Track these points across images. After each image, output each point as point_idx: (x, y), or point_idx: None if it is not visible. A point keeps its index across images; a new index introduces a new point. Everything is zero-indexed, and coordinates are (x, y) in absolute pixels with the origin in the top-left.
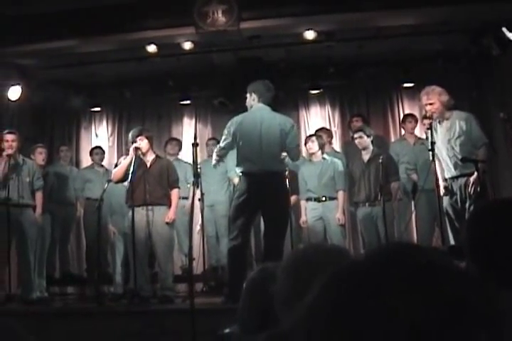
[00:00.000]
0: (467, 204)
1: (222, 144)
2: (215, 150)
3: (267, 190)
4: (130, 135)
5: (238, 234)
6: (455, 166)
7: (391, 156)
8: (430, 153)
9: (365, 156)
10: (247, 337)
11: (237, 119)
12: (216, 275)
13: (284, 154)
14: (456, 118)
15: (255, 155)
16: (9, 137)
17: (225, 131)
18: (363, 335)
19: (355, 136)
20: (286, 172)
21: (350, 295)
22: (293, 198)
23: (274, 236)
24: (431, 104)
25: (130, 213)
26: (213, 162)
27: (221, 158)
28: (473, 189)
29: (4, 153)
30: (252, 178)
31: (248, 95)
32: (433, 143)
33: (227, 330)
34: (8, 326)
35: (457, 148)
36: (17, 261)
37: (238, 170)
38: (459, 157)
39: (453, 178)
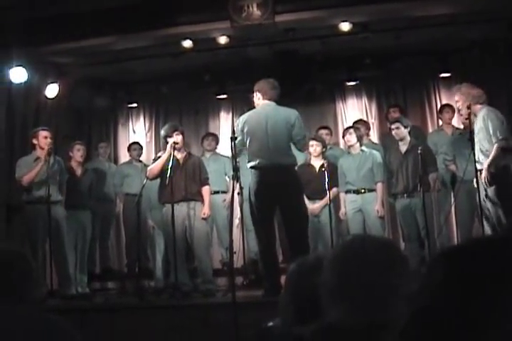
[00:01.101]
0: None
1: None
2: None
3: (276, 183)
4: (164, 130)
5: (261, 229)
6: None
7: (429, 147)
8: (469, 143)
9: (403, 147)
10: (290, 329)
11: (243, 117)
12: (256, 269)
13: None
14: (479, 114)
15: (263, 150)
16: (45, 134)
17: (234, 130)
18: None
19: (393, 126)
20: (326, 165)
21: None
22: (333, 191)
23: (293, 229)
24: (457, 101)
25: (168, 209)
26: None
27: (239, 154)
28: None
29: (39, 151)
30: (262, 173)
31: (254, 94)
32: (472, 133)
33: (270, 323)
34: (55, 322)
35: (478, 144)
36: (54, 258)
37: (248, 165)
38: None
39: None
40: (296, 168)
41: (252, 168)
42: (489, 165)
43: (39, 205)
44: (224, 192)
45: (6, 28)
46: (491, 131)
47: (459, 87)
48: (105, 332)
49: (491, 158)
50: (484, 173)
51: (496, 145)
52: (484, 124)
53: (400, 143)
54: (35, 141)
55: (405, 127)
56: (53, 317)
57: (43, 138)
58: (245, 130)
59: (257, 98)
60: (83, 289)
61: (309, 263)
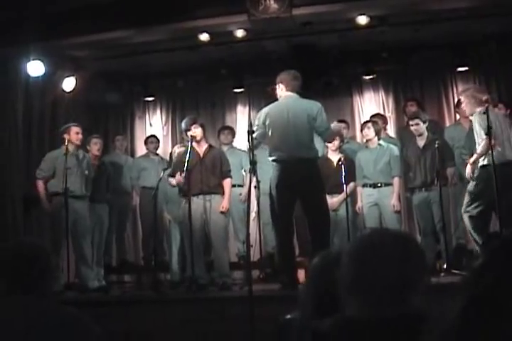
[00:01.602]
0: None
1: (254, 135)
2: None
3: (297, 176)
4: (183, 123)
5: (279, 222)
6: None
7: (446, 141)
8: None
9: (420, 142)
10: (309, 322)
11: (265, 110)
12: (272, 263)
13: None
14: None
15: (284, 143)
16: (77, 129)
17: (256, 122)
18: None
19: (412, 123)
20: (343, 159)
21: None
22: (350, 185)
23: (315, 223)
24: (462, 102)
25: (186, 202)
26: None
27: (256, 148)
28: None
29: (69, 145)
30: (283, 166)
31: (277, 86)
32: (489, 128)
33: (288, 316)
34: (74, 315)
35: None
36: (73, 251)
37: (270, 158)
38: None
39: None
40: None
41: (273, 161)
42: (473, 162)
43: (61, 198)
44: (240, 185)
45: (24, 22)
46: (477, 131)
47: (464, 89)
48: (121, 325)
49: (475, 155)
50: (468, 169)
51: (481, 144)
52: (473, 125)
53: (418, 138)
54: (66, 136)
55: (424, 122)
56: (72, 310)
57: (75, 134)
58: (267, 122)
59: (280, 89)
60: (100, 282)
61: (332, 257)
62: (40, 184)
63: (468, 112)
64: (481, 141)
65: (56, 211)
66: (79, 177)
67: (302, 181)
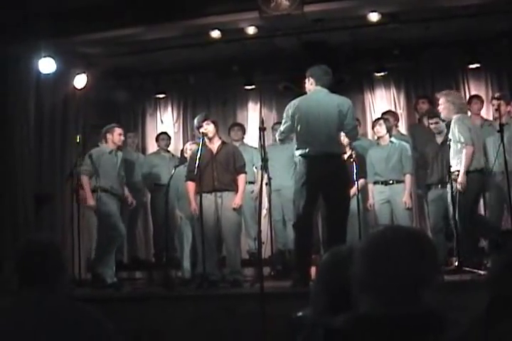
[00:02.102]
0: None
1: (282, 128)
2: (277, 134)
3: (325, 172)
4: (195, 120)
5: (301, 218)
6: None
7: None
8: (498, 134)
9: (439, 139)
10: (321, 319)
11: (294, 103)
12: (283, 260)
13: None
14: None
15: (314, 137)
16: (119, 131)
17: (284, 115)
18: None
19: (431, 121)
20: (354, 156)
21: None
22: (360, 182)
23: (334, 219)
24: (439, 104)
25: (198, 199)
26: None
27: (283, 141)
28: None
29: (110, 145)
30: (310, 161)
31: (306, 80)
32: (502, 125)
33: (299, 313)
34: (86, 311)
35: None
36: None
37: (297, 153)
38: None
39: None
40: None
41: (301, 155)
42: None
43: (103, 193)
44: (251, 182)
45: (35, 18)
46: (457, 138)
47: (446, 92)
48: (132, 322)
49: (463, 165)
50: (461, 179)
51: (464, 152)
52: (452, 131)
53: (437, 135)
54: (109, 136)
55: (443, 121)
56: (85, 306)
57: (118, 135)
58: (296, 116)
59: (310, 83)
60: (111, 279)
61: (343, 253)
62: (86, 179)
63: (444, 116)
64: (460, 147)
65: (100, 205)
66: (116, 177)
67: (329, 177)
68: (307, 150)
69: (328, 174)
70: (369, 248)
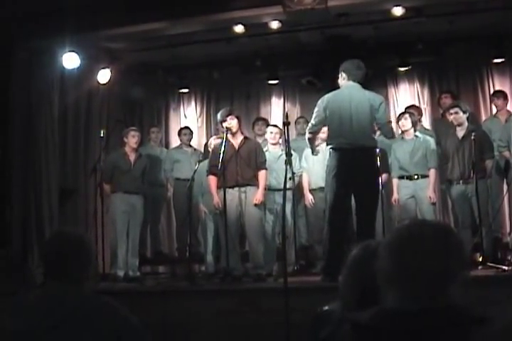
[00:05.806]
0: None
1: (313, 121)
2: (308, 127)
3: (356, 165)
4: (219, 115)
5: (335, 212)
6: None
7: (486, 133)
8: None
9: (460, 133)
10: (349, 313)
11: (327, 96)
12: (306, 255)
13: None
14: None
15: (346, 131)
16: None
17: (316, 108)
18: None
19: (451, 111)
20: (377, 150)
21: None
22: (384, 176)
23: (364, 212)
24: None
25: (222, 193)
26: (307, 137)
27: (313, 134)
28: None
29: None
30: (342, 154)
31: (339, 75)
32: None
33: (326, 307)
34: (112, 304)
35: None
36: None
37: (329, 146)
38: None
39: None
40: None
41: (332, 149)
42: None
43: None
44: None
45: (59, 13)
46: None
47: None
48: (155, 316)
49: None
50: None
51: None
52: None
53: (458, 129)
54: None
55: (464, 112)
56: (109, 299)
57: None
58: (328, 109)
59: (342, 78)
60: (134, 273)
61: (372, 247)
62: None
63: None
64: None
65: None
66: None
67: (361, 169)
68: (339, 142)
69: (359, 167)
70: (395, 242)
